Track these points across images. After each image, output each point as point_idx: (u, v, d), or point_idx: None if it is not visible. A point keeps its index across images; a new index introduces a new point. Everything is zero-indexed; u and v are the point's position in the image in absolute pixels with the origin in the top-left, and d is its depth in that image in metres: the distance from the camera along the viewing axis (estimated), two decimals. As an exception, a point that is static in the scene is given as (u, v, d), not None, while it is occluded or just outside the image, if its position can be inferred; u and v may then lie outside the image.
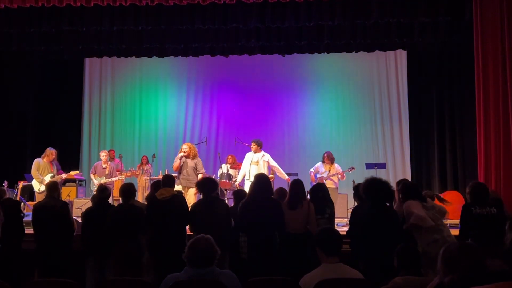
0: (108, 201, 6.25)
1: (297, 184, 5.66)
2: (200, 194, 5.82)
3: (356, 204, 6.14)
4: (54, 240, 5.78)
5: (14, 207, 6.14)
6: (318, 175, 9.74)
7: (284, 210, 5.47)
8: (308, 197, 6.35)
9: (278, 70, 12.60)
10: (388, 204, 4.86)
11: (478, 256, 2.53)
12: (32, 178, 9.00)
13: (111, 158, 10.77)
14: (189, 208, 5.86)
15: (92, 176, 9.97)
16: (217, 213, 5.50)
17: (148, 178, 10.68)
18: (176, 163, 8.72)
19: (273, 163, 9.50)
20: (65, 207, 6.09)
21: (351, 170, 9.86)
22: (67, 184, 10.15)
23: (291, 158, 12.42)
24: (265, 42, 10.20)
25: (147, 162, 11.35)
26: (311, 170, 9.92)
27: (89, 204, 6.96)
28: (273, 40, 10.03)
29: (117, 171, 10.32)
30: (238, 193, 6.50)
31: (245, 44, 10.24)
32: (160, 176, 10.65)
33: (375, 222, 4.62)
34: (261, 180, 5.57)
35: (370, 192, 4.79)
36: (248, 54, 10.93)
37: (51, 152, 9.04)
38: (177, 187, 7.92)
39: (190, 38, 10.00)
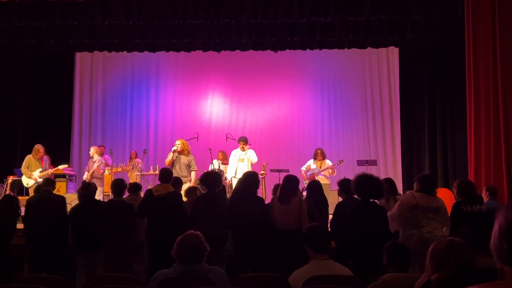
0: (94, 197, 6.20)
1: (289, 179, 5.59)
2: (203, 188, 5.79)
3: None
4: (48, 235, 5.73)
5: (13, 203, 6.08)
6: (309, 173, 9.77)
7: (275, 205, 5.44)
8: (304, 193, 6.36)
9: (270, 66, 12.56)
10: (377, 200, 4.86)
11: (467, 253, 2.53)
12: (22, 174, 8.98)
13: (100, 154, 10.69)
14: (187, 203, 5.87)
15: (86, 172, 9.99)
16: (219, 209, 5.47)
17: (139, 173, 10.63)
18: (169, 157, 8.83)
19: (253, 157, 9.70)
20: (64, 202, 6.04)
21: (340, 163, 9.87)
22: (57, 179, 10.07)
23: (283, 154, 12.42)
24: (258, 38, 10.17)
25: (136, 157, 11.27)
26: (303, 168, 9.94)
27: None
28: (265, 36, 10.01)
29: (107, 165, 10.29)
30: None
31: (238, 39, 10.21)
32: (151, 172, 10.67)
33: (364, 219, 4.62)
34: (248, 178, 5.60)
35: (360, 188, 4.77)
36: (240, 50, 10.89)
37: (37, 149, 9.03)
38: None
39: (182, 33, 9.94)
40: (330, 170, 9.83)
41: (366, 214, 4.62)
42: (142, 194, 6.50)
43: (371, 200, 4.73)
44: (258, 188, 5.83)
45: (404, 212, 4.84)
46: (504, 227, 1.37)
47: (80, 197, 6.16)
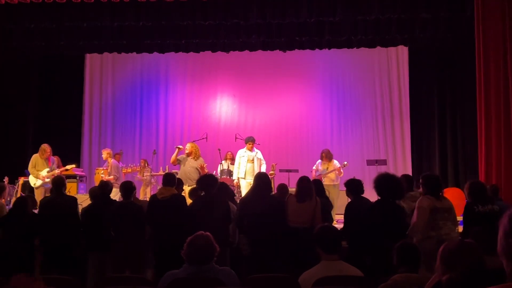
0: (110, 197, 6.24)
1: (305, 179, 5.71)
2: (201, 191, 5.82)
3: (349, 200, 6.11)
4: (61, 236, 5.76)
5: (27, 204, 6.13)
6: (317, 173, 9.69)
7: (292, 203, 5.48)
8: None
9: (279, 66, 12.56)
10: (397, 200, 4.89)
11: (477, 254, 2.52)
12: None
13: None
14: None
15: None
16: (216, 210, 5.48)
17: (149, 174, 10.67)
18: (173, 156, 8.91)
19: (262, 159, 9.65)
20: (75, 203, 6.07)
21: (344, 166, 9.69)
22: (67, 179, 10.11)
23: (292, 154, 12.41)
24: (266, 38, 10.18)
25: (146, 165, 11.22)
26: (314, 168, 9.87)
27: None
28: (274, 36, 10.01)
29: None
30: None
31: (246, 40, 10.23)
32: (161, 172, 10.68)
33: (383, 218, 4.66)
34: (262, 179, 5.62)
35: (381, 188, 4.80)
36: (249, 50, 10.91)
37: (44, 149, 8.99)
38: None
39: (191, 34, 9.98)
40: (337, 172, 9.67)
41: (385, 213, 4.67)
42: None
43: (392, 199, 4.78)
44: (271, 188, 5.86)
45: (427, 217, 4.79)
46: (508, 226, 1.37)
47: (94, 196, 6.19)
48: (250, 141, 9.53)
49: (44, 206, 6.01)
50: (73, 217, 5.92)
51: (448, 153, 11.17)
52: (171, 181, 6.03)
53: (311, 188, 5.66)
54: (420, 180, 5.09)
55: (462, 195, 8.96)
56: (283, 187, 6.57)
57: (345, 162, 9.77)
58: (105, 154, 9.82)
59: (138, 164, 11.07)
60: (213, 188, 5.70)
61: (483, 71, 8.51)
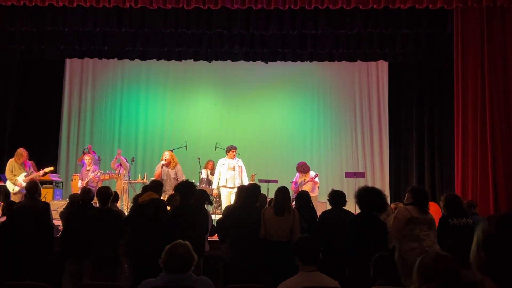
0: (92, 204, 6.17)
1: (283, 191, 5.62)
2: (181, 197, 5.77)
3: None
4: (32, 242, 5.67)
5: None
6: (297, 185, 9.73)
7: (270, 216, 5.42)
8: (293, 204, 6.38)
9: (261, 77, 12.60)
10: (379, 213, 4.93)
11: (453, 267, 2.55)
12: (7, 179, 8.86)
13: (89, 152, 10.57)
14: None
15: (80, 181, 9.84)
16: (197, 219, 5.45)
17: (126, 181, 10.55)
18: (158, 171, 8.86)
19: (243, 167, 9.64)
20: (46, 209, 5.97)
21: (315, 177, 9.71)
22: (43, 185, 9.97)
23: (271, 165, 12.41)
24: (249, 49, 10.23)
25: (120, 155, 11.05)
26: (294, 180, 9.89)
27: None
28: (256, 47, 10.06)
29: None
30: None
31: (229, 50, 10.26)
32: (139, 180, 10.59)
33: (365, 230, 4.69)
34: (251, 190, 5.63)
35: (363, 201, 4.83)
36: (231, 60, 10.94)
37: (20, 153, 8.85)
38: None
39: (173, 42, 9.98)
40: (311, 182, 9.67)
41: (366, 226, 4.70)
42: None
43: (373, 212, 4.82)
44: (258, 201, 5.82)
45: (401, 228, 4.84)
46: (481, 237, 1.40)
47: (73, 202, 6.12)
48: (233, 149, 9.50)
49: (16, 212, 5.91)
50: (45, 222, 5.84)
51: (425, 168, 11.29)
52: (154, 186, 5.99)
53: (289, 200, 5.65)
54: (408, 193, 5.10)
55: (438, 209, 9.06)
56: (263, 199, 6.53)
57: (317, 173, 9.84)
58: (89, 159, 9.76)
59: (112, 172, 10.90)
60: (192, 195, 5.64)
61: (461, 86, 8.68)
